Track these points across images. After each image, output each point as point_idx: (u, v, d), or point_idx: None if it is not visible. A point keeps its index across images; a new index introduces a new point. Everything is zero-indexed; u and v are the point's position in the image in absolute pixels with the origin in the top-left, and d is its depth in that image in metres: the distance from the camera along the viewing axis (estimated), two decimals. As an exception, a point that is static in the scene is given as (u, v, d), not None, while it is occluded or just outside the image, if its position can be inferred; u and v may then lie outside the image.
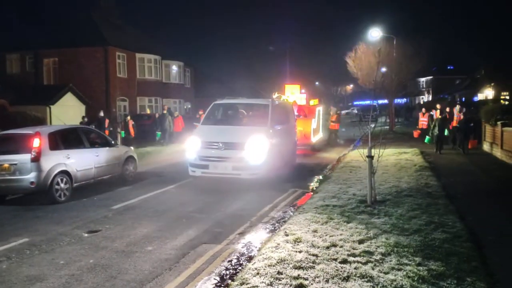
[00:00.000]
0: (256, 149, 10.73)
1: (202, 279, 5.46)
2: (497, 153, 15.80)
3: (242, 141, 10.80)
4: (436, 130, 17.60)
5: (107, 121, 20.59)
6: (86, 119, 21.60)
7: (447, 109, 19.90)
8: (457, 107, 19.83)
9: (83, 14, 33.46)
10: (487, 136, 17.71)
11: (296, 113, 17.91)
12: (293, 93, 20.82)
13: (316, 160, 16.64)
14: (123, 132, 21.38)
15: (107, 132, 18.71)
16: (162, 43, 39.79)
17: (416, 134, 22.98)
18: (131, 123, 21.24)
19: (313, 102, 21.51)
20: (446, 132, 18.39)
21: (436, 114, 18.65)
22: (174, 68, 37.44)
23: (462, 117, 17.95)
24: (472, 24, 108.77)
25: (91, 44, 30.17)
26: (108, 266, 5.91)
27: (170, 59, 36.91)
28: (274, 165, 11.37)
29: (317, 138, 20.42)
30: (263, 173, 10.84)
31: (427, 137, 18.59)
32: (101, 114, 21.23)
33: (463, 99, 48.77)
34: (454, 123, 18.63)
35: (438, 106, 20.03)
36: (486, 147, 17.95)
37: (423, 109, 22.17)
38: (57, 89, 28.44)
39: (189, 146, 11.25)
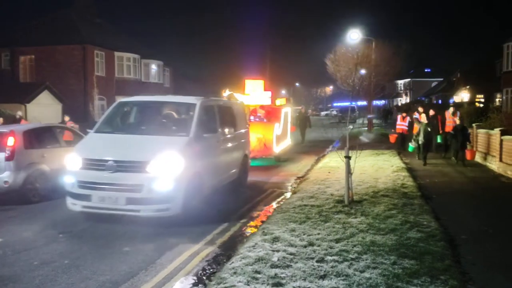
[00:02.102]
0: (165, 171, 7.33)
1: (179, 279, 5.43)
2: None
3: (143, 159, 7.41)
4: (421, 137, 14.70)
5: (22, 121, 18.12)
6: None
7: (432, 112, 17.15)
8: (451, 109, 17.11)
9: (61, 12, 32.97)
10: (483, 143, 15.25)
11: (260, 116, 15.42)
12: (255, 90, 16.89)
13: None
14: None
15: None
16: (142, 42, 39.52)
17: (392, 138, 20.55)
18: (69, 124, 16.22)
19: (280, 101, 17.95)
20: (439, 139, 16.55)
21: (420, 117, 16.05)
22: (153, 67, 37.17)
23: (458, 121, 15.21)
24: (449, 28, 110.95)
25: (69, 42, 29.70)
26: (83, 266, 5.81)
27: (150, 58, 36.64)
28: (197, 194, 8.03)
29: (283, 146, 16.22)
30: (177, 207, 7.43)
31: (410, 145, 16.09)
32: (19, 114, 19.18)
33: (440, 101, 49.74)
34: (448, 129, 15.89)
35: (420, 109, 17.13)
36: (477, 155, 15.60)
37: (403, 113, 19.38)
38: (33, 87, 27.84)
39: (68, 166, 7.91)
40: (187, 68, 48.19)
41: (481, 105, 31.27)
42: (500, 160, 12.87)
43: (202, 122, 8.66)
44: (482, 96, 41.06)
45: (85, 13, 34.12)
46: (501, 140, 12.76)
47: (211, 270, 5.71)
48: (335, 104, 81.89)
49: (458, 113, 16.73)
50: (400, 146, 18.76)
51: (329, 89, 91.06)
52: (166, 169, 7.36)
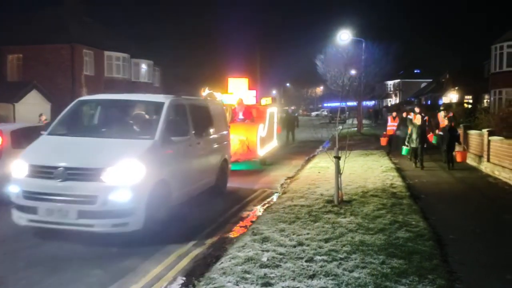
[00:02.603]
0: (123, 180, 6.43)
1: (168, 280, 5.40)
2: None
3: (98, 166, 6.52)
4: (414, 139, 14.23)
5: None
6: None
7: (417, 109, 16.19)
8: (442, 113, 16.92)
9: (50, 10, 32.71)
10: (471, 144, 15.08)
11: (241, 116, 14.38)
12: (239, 89, 16.15)
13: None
14: None
15: None
16: (132, 41, 39.25)
17: (383, 141, 19.10)
18: (45, 124, 14.57)
19: (265, 101, 17.09)
20: (434, 141, 15.92)
21: (415, 117, 15.03)
22: (143, 66, 37.04)
23: (446, 122, 14.76)
24: (439, 29, 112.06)
25: (57, 41, 29.47)
26: (71, 268, 5.76)
27: (139, 57, 36.47)
28: (163, 206, 7.15)
29: (268, 148, 15.29)
30: (137, 222, 6.51)
31: (404, 147, 15.35)
32: None
33: (429, 102, 50.13)
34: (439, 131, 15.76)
35: (417, 109, 16.26)
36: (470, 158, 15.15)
37: (394, 113, 18.69)
38: (21, 86, 27.65)
39: (13, 173, 6.91)
40: (177, 68, 47.98)
41: (470, 106, 31.53)
42: (488, 160, 13.00)
43: (170, 123, 7.70)
44: (470, 97, 41.44)
45: (74, 11, 33.80)
46: (489, 141, 12.89)
47: (200, 270, 5.67)
48: (325, 105, 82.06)
49: (450, 114, 16.38)
50: (391, 147, 18.10)
51: (320, 89, 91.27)
52: (125, 177, 6.46)
